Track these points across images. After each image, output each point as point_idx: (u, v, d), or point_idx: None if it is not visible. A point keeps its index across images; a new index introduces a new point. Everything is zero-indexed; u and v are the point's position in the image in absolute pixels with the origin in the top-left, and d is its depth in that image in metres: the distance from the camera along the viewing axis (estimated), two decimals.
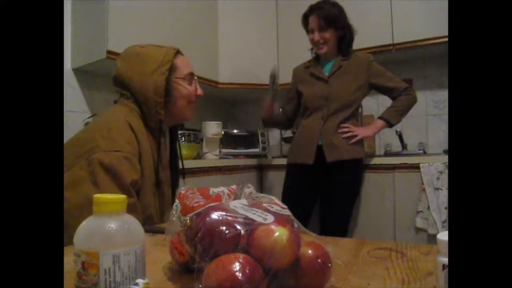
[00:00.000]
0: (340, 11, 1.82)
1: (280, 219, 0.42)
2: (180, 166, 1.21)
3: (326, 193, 1.88)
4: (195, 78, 1.09)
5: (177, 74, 1.04)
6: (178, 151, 1.19)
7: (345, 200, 1.86)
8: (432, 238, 1.82)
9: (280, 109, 2.06)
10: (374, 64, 1.88)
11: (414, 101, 1.87)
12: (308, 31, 1.87)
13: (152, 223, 0.93)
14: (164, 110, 1.00)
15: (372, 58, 1.90)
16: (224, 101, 3.07)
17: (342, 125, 1.83)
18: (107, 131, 0.91)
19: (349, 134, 1.81)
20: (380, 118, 1.89)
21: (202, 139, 2.33)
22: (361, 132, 1.84)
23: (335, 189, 1.83)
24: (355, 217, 2.08)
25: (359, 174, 1.96)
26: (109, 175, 0.85)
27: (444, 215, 1.83)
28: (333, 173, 1.81)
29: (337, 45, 1.86)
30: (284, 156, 2.35)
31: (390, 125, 1.88)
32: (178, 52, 1.06)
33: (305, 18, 1.88)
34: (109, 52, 1.68)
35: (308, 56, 2.00)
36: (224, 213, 0.42)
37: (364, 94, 1.90)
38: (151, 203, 0.96)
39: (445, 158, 1.88)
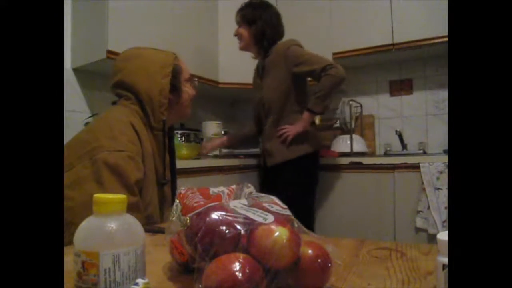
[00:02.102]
0: (254, 8, 1.87)
1: (280, 219, 0.42)
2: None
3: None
4: (196, 79, 1.17)
5: (183, 76, 1.09)
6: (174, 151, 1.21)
7: (294, 200, 1.81)
8: (432, 238, 1.82)
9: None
10: (291, 50, 1.80)
11: (335, 79, 1.72)
12: None
13: (153, 222, 0.94)
14: (167, 111, 1.03)
15: (290, 44, 1.82)
16: (224, 101, 3.07)
17: (279, 128, 1.83)
18: (109, 131, 0.92)
19: (283, 137, 1.81)
20: (306, 109, 1.81)
21: (202, 139, 2.33)
22: (291, 130, 1.80)
23: (280, 191, 1.81)
24: (356, 217, 2.08)
25: (304, 171, 1.86)
26: (114, 174, 0.85)
27: (444, 215, 1.83)
28: (276, 175, 1.86)
29: (257, 44, 1.89)
30: None
31: (316, 114, 1.81)
32: (176, 56, 1.10)
33: None
34: (109, 52, 1.68)
35: None
36: (224, 213, 0.42)
37: (293, 86, 1.82)
38: (152, 202, 0.97)
39: (445, 158, 1.88)
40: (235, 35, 1.94)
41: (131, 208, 0.83)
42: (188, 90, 1.11)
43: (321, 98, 1.74)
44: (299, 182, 1.84)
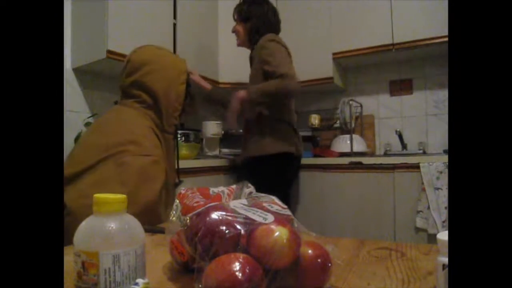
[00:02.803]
0: (249, 5, 1.90)
1: (280, 219, 0.42)
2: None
3: None
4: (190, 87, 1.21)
5: (190, 82, 1.13)
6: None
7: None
8: (432, 238, 1.82)
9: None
10: (266, 46, 1.77)
11: (283, 86, 1.67)
12: None
13: (158, 222, 0.95)
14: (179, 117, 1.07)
15: (269, 39, 1.78)
16: None
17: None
18: (131, 135, 0.93)
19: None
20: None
21: (202, 139, 2.33)
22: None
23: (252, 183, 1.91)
24: (356, 217, 2.08)
25: (264, 172, 1.81)
26: (141, 178, 0.86)
27: (444, 215, 1.83)
28: (244, 169, 1.96)
29: (251, 40, 1.91)
30: None
31: (250, 97, 1.72)
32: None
33: None
34: (109, 52, 1.68)
35: (307, 54, 2.01)
36: (224, 213, 0.42)
37: (264, 81, 1.79)
38: (160, 203, 0.98)
39: (445, 158, 1.88)
40: (233, 31, 1.98)
41: (152, 211, 0.85)
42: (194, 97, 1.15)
43: (262, 90, 1.69)
44: (257, 181, 1.79)
